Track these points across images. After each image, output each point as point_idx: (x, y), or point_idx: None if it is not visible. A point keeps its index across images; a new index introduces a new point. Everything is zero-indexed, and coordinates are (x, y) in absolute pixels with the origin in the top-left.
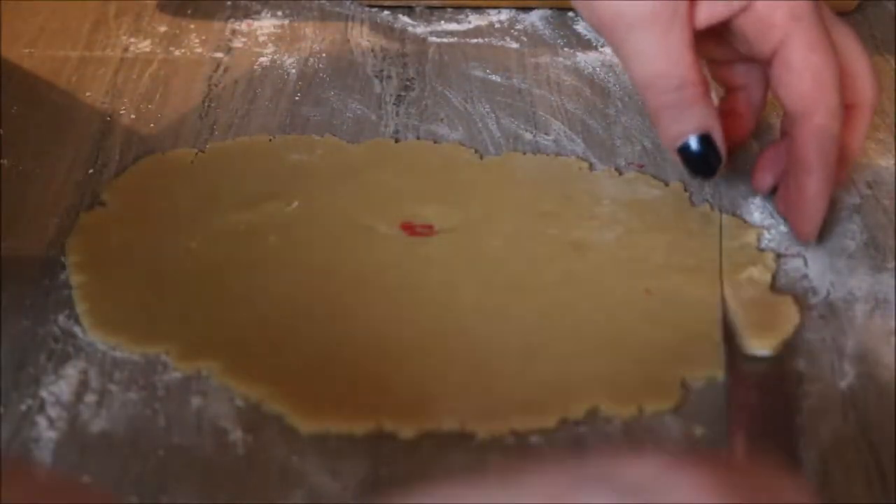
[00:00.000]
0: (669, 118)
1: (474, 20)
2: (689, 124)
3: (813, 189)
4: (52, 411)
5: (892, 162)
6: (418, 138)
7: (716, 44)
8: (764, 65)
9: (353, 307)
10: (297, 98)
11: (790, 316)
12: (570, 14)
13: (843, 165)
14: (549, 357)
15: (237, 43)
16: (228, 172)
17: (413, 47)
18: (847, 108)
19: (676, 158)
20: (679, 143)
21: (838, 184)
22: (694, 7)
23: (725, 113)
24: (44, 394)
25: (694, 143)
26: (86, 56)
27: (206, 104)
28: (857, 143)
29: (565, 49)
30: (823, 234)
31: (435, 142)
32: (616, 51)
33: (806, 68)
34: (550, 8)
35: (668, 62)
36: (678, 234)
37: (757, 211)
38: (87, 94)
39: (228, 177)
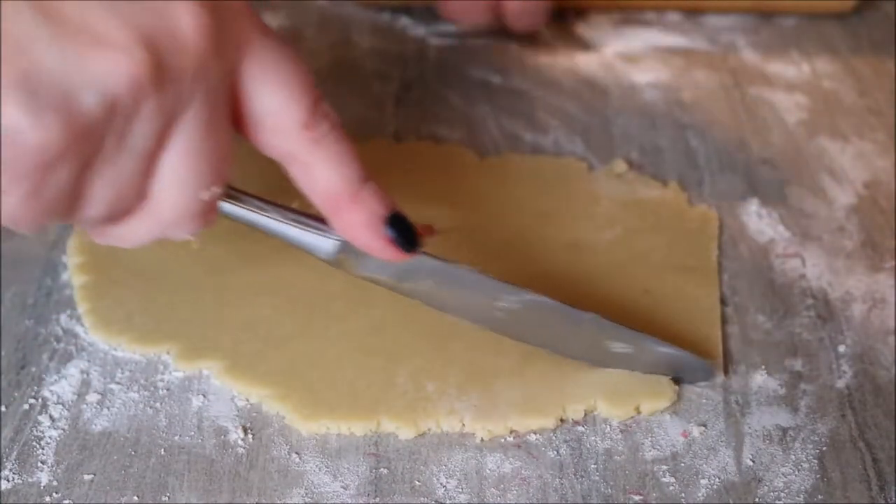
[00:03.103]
0: None
1: None
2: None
3: None
4: (55, 410)
5: (890, 162)
6: (418, 139)
7: None
8: None
9: (353, 307)
10: None
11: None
12: (570, 16)
13: None
14: (548, 357)
15: None
16: (229, 174)
17: (413, 48)
18: None
19: None
20: None
21: None
22: None
23: None
24: (46, 393)
25: None
26: None
27: None
28: None
29: (564, 50)
30: (821, 232)
31: (435, 142)
32: None
33: None
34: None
35: None
36: (677, 234)
37: (755, 211)
38: None
39: (229, 177)
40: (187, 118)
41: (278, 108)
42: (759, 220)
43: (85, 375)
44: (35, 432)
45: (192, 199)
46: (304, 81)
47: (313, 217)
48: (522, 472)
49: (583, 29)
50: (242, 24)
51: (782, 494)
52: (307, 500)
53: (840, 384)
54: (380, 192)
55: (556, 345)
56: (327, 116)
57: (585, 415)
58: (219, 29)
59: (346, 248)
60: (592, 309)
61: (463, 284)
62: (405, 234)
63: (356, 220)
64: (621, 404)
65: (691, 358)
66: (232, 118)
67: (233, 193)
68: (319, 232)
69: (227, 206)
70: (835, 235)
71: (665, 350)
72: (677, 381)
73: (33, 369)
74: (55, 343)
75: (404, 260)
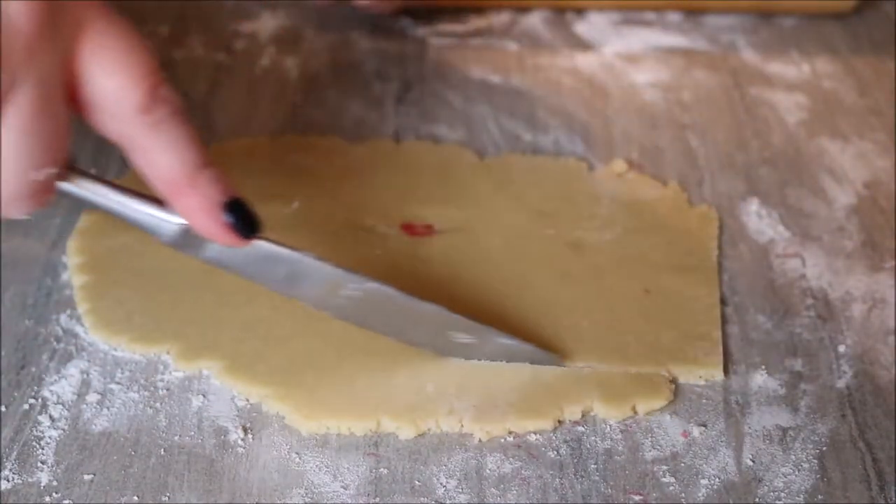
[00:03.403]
0: None
1: (474, 21)
2: None
3: None
4: (54, 410)
5: (890, 162)
6: (418, 139)
7: None
8: None
9: None
10: (297, 99)
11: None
12: (570, 15)
13: None
14: None
15: (238, 44)
16: (229, 173)
17: (413, 48)
18: None
19: None
20: None
21: None
22: None
23: None
24: (46, 393)
25: None
26: None
27: (207, 105)
28: None
29: (564, 50)
30: (821, 232)
31: (435, 142)
32: None
33: None
34: (550, 9)
35: None
36: (676, 234)
37: (755, 211)
38: None
39: (229, 177)
40: (17, 100)
41: (115, 92)
42: (759, 220)
43: (85, 375)
44: (35, 432)
45: (23, 179)
46: (144, 65)
47: (157, 200)
48: (522, 472)
49: (583, 29)
50: (81, 7)
51: (782, 494)
52: (307, 500)
53: (840, 384)
54: (219, 178)
55: (400, 333)
56: (167, 101)
57: (583, 415)
58: (52, 13)
59: (189, 231)
60: (592, 308)
61: (306, 271)
62: (244, 219)
63: (194, 204)
64: (617, 405)
65: (535, 350)
66: (69, 100)
67: (71, 174)
68: (162, 215)
69: (66, 187)
70: (835, 235)
71: (507, 342)
72: (674, 380)
73: (33, 369)
74: (55, 343)
75: (244, 245)
